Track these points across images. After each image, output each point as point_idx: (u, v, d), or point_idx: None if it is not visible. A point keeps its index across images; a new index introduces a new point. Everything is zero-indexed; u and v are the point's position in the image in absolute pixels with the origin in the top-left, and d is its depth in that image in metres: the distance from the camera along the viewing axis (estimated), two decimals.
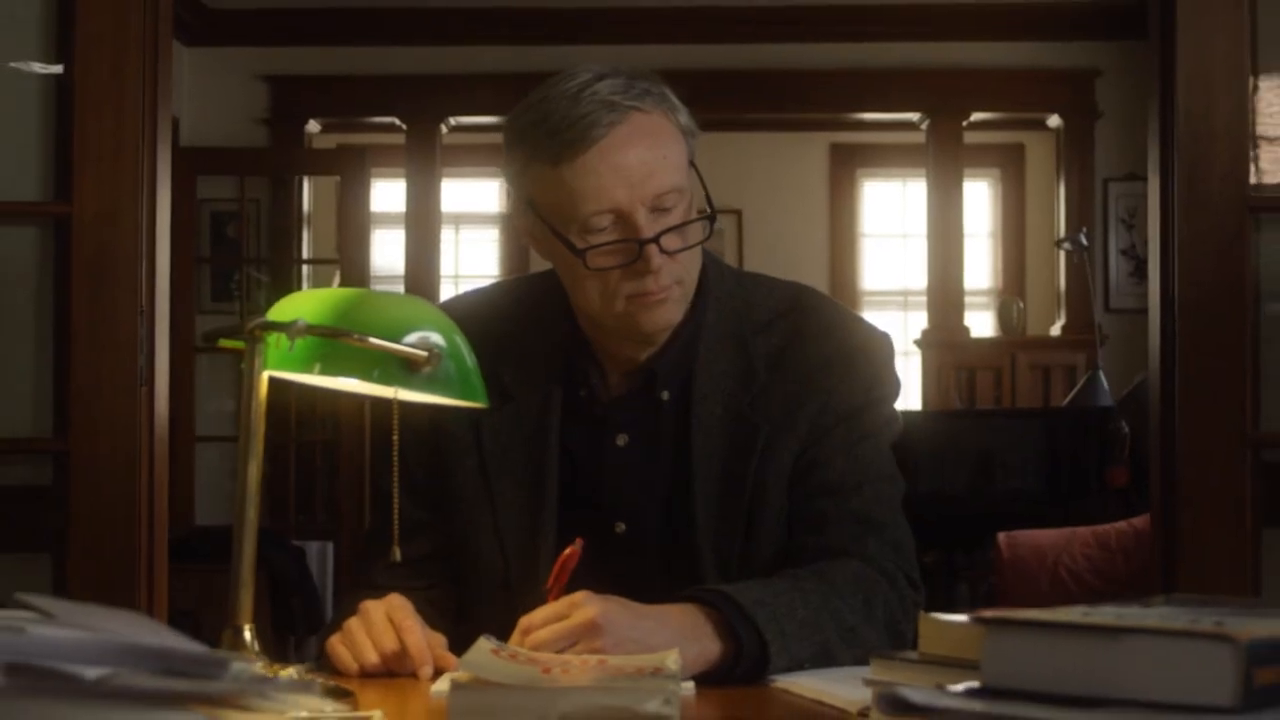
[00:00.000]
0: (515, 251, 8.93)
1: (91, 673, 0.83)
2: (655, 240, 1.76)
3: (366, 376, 1.49)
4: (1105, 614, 0.97)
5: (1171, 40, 2.65)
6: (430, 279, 7.93)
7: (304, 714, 1.23)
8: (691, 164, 1.84)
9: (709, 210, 1.82)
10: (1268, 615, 0.97)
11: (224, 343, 1.53)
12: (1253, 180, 2.67)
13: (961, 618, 1.22)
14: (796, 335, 1.91)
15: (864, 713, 1.33)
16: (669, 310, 1.83)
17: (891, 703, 0.92)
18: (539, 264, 1.93)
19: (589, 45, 7.44)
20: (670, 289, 1.81)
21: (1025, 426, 5.97)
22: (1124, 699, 0.90)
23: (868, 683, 1.28)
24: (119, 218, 2.63)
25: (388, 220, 8.46)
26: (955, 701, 0.92)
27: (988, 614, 0.98)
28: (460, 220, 9.09)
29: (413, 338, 1.51)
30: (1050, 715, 0.88)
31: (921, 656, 1.26)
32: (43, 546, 2.69)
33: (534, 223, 1.84)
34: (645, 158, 1.76)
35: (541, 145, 1.77)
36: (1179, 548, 2.65)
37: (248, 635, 1.43)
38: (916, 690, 0.93)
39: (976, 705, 0.91)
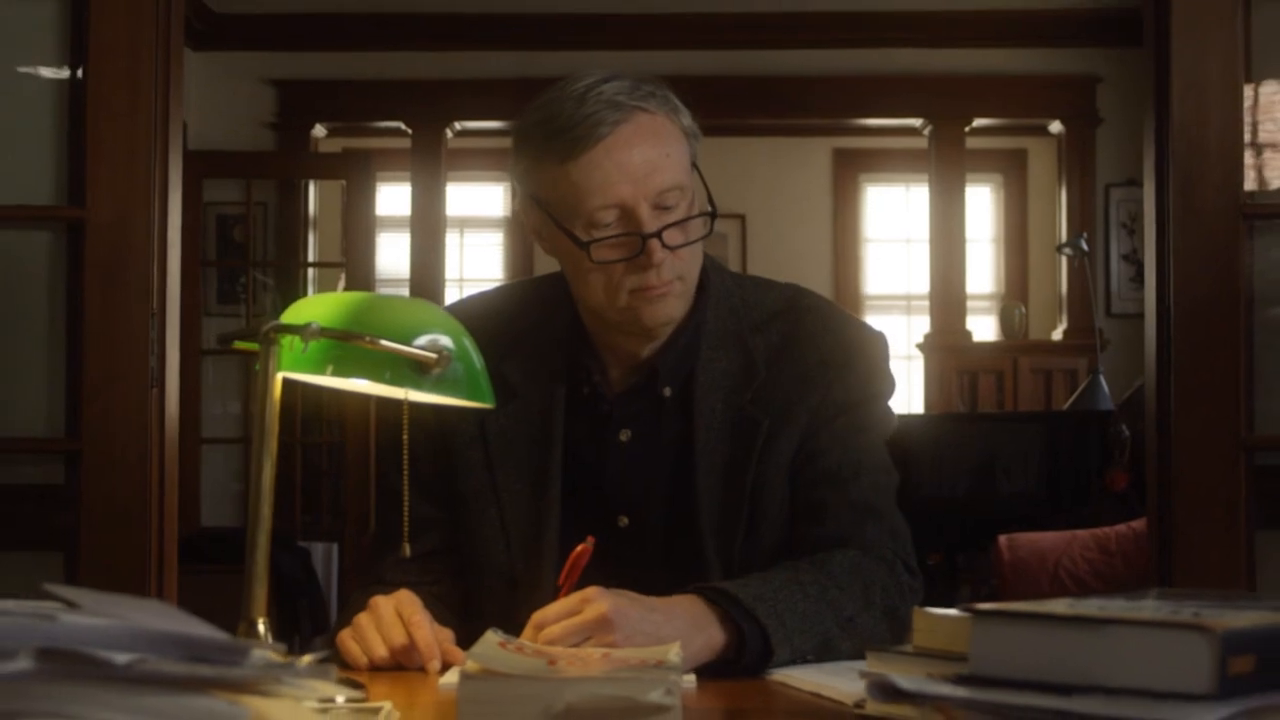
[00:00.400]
0: (519, 255, 8.97)
1: (121, 658, 0.87)
2: (658, 235, 1.81)
3: (378, 378, 1.54)
4: (1089, 606, 1.01)
5: (1166, 50, 2.69)
6: (435, 282, 7.97)
7: (317, 704, 1.27)
8: (693, 165, 1.89)
9: (710, 208, 1.87)
10: (1244, 607, 1.01)
11: (239, 345, 1.58)
12: (1247, 187, 2.71)
13: (954, 611, 1.26)
14: (794, 334, 1.96)
15: (860, 705, 1.36)
16: (670, 305, 1.88)
17: (883, 690, 0.96)
18: (543, 267, 1.98)
19: (594, 51, 7.48)
20: (672, 284, 1.86)
21: (1026, 430, 6.00)
22: (1106, 687, 0.94)
23: (863, 675, 1.32)
24: (131, 222, 2.67)
25: (393, 224, 8.51)
26: (943, 689, 0.96)
27: (976, 606, 1.02)
28: (465, 224, 9.13)
29: (422, 340, 1.55)
30: (1034, 702, 0.92)
31: (915, 650, 1.30)
32: (55, 545, 2.72)
33: (541, 219, 1.89)
34: (649, 156, 1.81)
35: (549, 143, 1.82)
36: (1175, 549, 2.69)
37: (261, 629, 1.47)
38: (907, 678, 0.97)
39: (963, 692, 0.95)
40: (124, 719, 0.86)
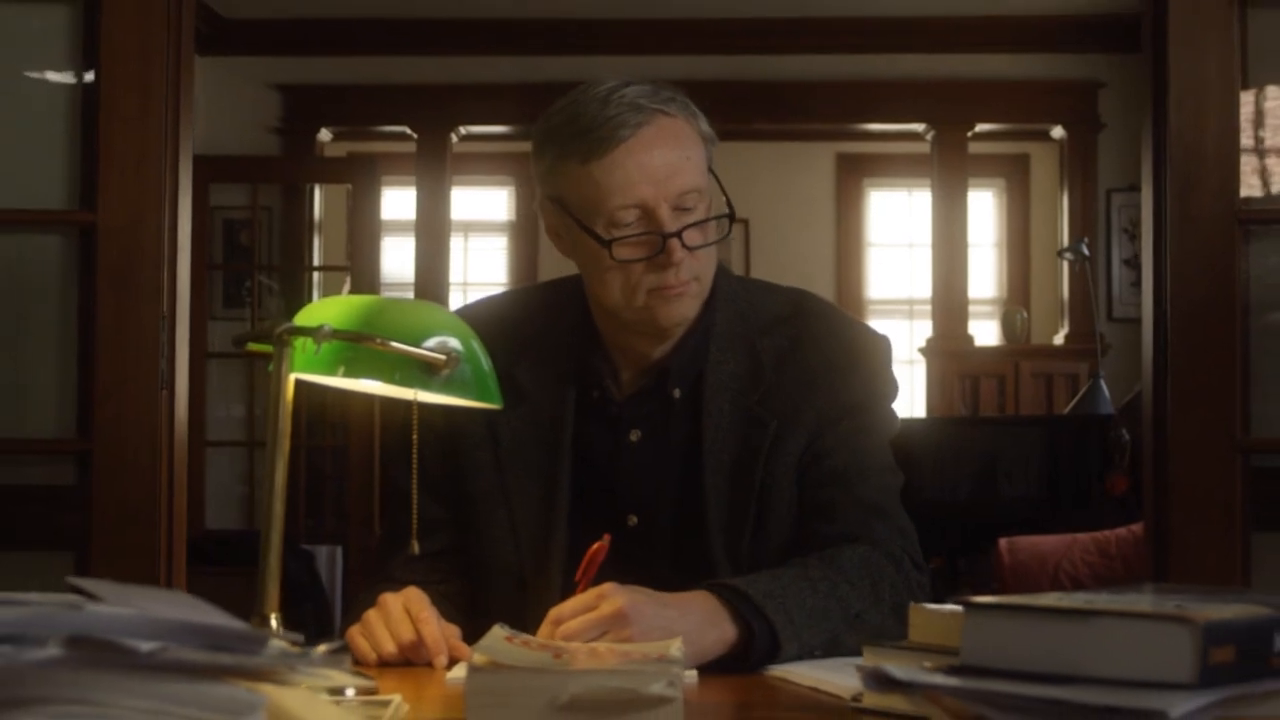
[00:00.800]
0: (524, 258, 9.00)
1: (145, 646, 0.90)
2: (678, 235, 1.85)
3: (388, 379, 1.58)
4: (1076, 599, 1.05)
5: (1164, 58, 2.72)
6: (439, 286, 8.00)
7: (331, 695, 1.31)
8: (710, 170, 1.93)
9: (728, 211, 1.91)
10: (1226, 600, 1.04)
11: (252, 346, 1.61)
12: (1243, 194, 2.74)
13: (948, 607, 1.30)
14: (800, 337, 2.00)
15: (857, 698, 1.40)
16: (686, 305, 1.91)
17: (877, 679, 1.00)
18: (547, 271, 2.02)
19: (598, 56, 7.52)
20: (689, 284, 1.90)
21: (1027, 434, 6.02)
22: (1091, 676, 0.98)
23: (860, 669, 1.35)
24: (142, 226, 2.71)
25: (398, 228, 8.54)
26: (936, 678, 1.00)
27: (969, 598, 1.05)
28: (469, 228, 9.16)
29: (432, 342, 1.59)
30: (1021, 690, 0.96)
31: (911, 644, 1.34)
32: (65, 545, 2.76)
33: (560, 219, 1.93)
34: (669, 158, 1.86)
35: (572, 144, 1.86)
36: (1171, 551, 2.72)
37: (274, 623, 1.50)
38: (901, 668, 1.01)
39: (954, 681, 0.99)
40: (146, 705, 0.90)
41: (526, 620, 1.71)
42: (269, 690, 1.00)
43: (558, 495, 1.95)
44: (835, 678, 1.53)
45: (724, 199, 1.93)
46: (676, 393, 1.98)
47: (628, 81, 1.89)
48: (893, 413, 2.06)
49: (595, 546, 1.76)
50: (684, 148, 1.88)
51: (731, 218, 1.92)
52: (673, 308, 1.90)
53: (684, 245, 1.86)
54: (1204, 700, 0.94)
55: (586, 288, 1.98)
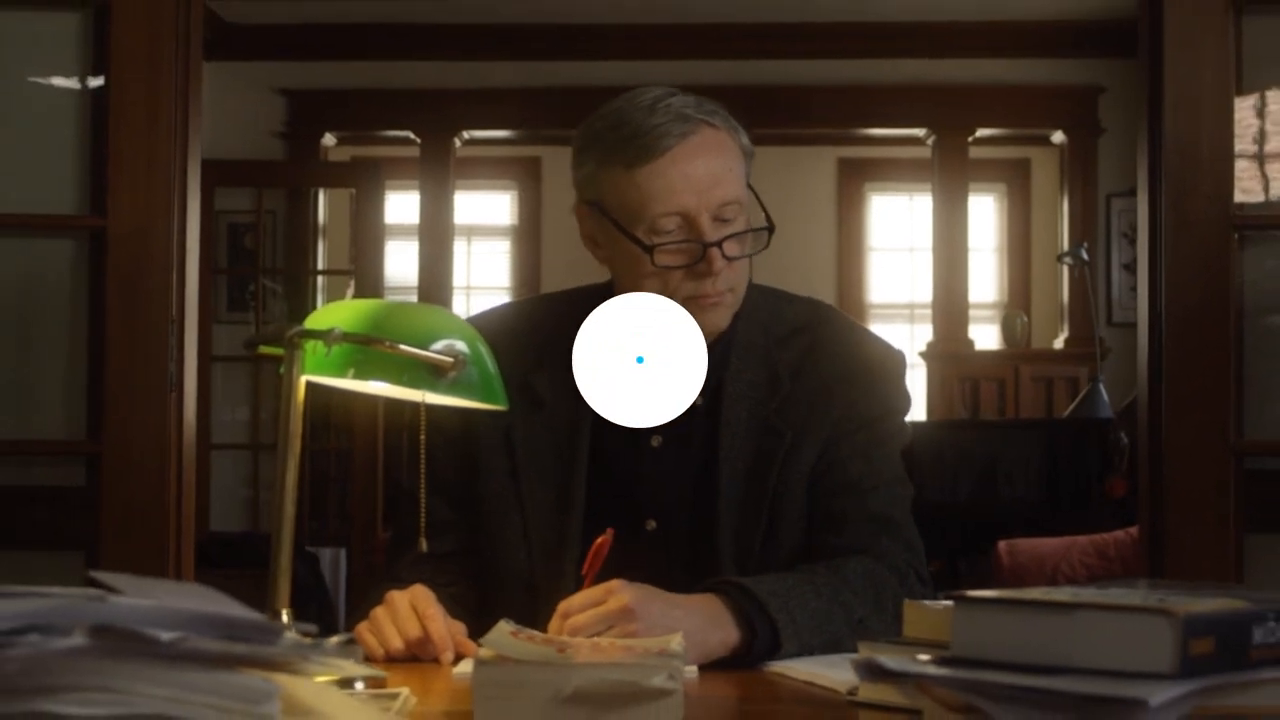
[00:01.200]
0: (526, 263, 9.03)
1: (166, 636, 0.94)
2: (718, 245, 1.88)
3: (396, 380, 1.61)
4: (1063, 593, 1.08)
5: (1160, 63, 2.75)
6: (443, 290, 8.03)
7: (343, 687, 1.35)
8: (748, 184, 1.96)
9: (766, 224, 1.95)
10: (1207, 594, 1.08)
11: (263, 349, 1.65)
12: (1237, 199, 2.77)
13: (940, 603, 1.33)
14: (817, 349, 2.03)
15: (852, 692, 1.43)
16: (721, 315, 1.95)
17: (870, 670, 1.03)
18: (550, 275, 2.05)
19: (600, 61, 7.55)
20: (724, 295, 1.93)
21: (1027, 437, 6.06)
22: (1077, 667, 1.01)
23: (854, 662, 1.39)
24: (151, 231, 2.74)
25: (401, 232, 8.57)
26: (927, 668, 1.03)
27: (959, 593, 1.09)
28: (472, 232, 9.18)
29: (439, 345, 1.62)
30: (1007, 680, 0.99)
31: (904, 640, 1.38)
32: (74, 545, 2.79)
33: (599, 224, 1.96)
34: (712, 168, 1.89)
35: (616, 149, 1.90)
36: (1166, 553, 2.75)
37: (285, 619, 1.54)
38: (893, 659, 1.05)
39: (945, 671, 1.02)
40: (166, 692, 0.93)
41: (536, 624, 1.73)
42: (283, 680, 1.03)
43: (572, 501, 1.98)
44: (831, 673, 1.56)
45: (762, 213, 1.96)
46: (698, 401, 2.01)
47: (673, 91, 1.92)
48: (905, 426, 2.09)
49: (599, 540, 1.79)
50: (726, 159, 1.91)
51: (770, 231, 1.95)
52: (708, 317, 1.93)
53: (724, 255, 1.89)
54: (1183, 690, 0.97)
55: (620, 294, 2.01)
